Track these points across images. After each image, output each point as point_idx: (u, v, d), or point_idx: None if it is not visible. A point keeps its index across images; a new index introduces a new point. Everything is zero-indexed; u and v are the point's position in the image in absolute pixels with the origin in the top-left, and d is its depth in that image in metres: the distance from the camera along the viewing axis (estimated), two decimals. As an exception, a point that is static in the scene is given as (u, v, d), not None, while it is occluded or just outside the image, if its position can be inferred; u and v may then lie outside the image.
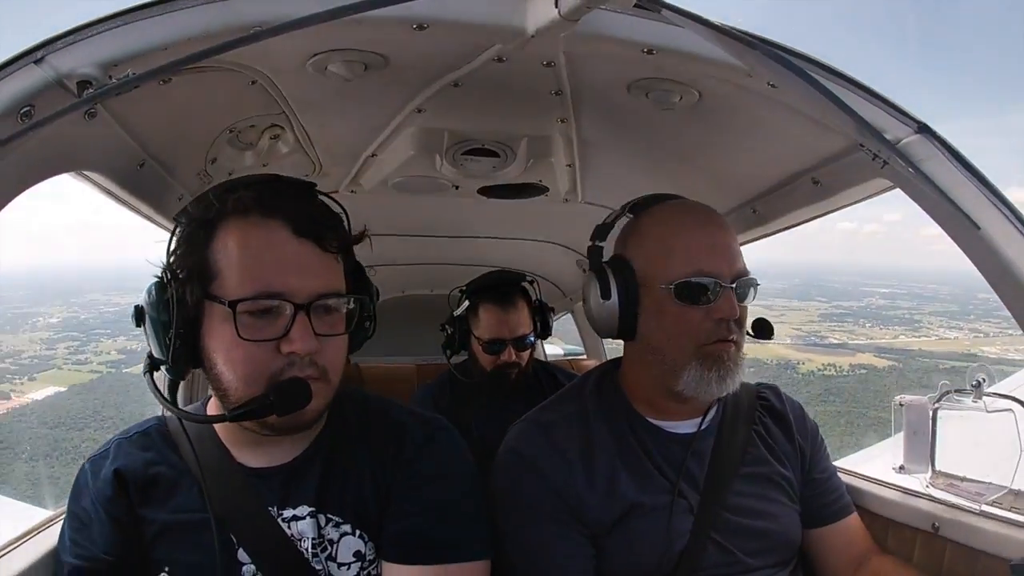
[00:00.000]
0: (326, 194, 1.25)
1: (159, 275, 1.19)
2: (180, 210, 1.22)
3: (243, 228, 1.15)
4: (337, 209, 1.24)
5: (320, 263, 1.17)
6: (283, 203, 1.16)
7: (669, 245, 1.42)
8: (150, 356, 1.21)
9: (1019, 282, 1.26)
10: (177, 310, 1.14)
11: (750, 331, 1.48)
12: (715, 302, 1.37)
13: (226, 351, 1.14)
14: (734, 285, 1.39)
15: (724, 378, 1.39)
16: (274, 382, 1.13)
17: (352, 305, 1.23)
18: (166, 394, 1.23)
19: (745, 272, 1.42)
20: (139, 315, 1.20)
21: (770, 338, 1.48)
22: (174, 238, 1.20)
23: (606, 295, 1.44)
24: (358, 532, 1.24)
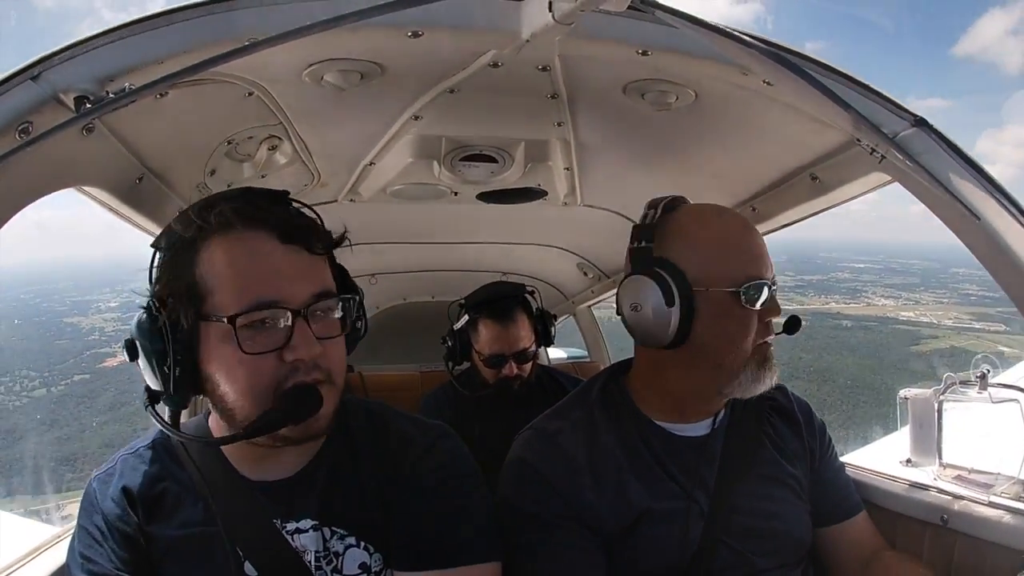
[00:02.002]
0: (299, 202, 1.24)
1: (146, 304, 1.15)
2: (156, 236, 1.20)
3: (228, 243, 1.12)
4: (311, 214, 1.23)
5: (311, 267, 1.15)
6: (264, 213, 1.14)
7: (727, 249, 1.39)
8: (148, 389, 1.18)
9: (1019, 270, 1.26)
10: (172, 337, 1.11)
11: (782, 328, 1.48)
12: (768, 304, 1.38)
13: (228, 369, 1.11)
14: (775, 287, 1.40)
15: (773, 375, 1.41)
16: (281, 392, 1.11)
17: (346, 305, 1.22)
18: (167, 418, 1.21)
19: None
20: (131, 349, 1.16)
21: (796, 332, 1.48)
22: (155, 265, 1.17)
23: (670, 301, 1.36)
24: (363, 544, 1.23)
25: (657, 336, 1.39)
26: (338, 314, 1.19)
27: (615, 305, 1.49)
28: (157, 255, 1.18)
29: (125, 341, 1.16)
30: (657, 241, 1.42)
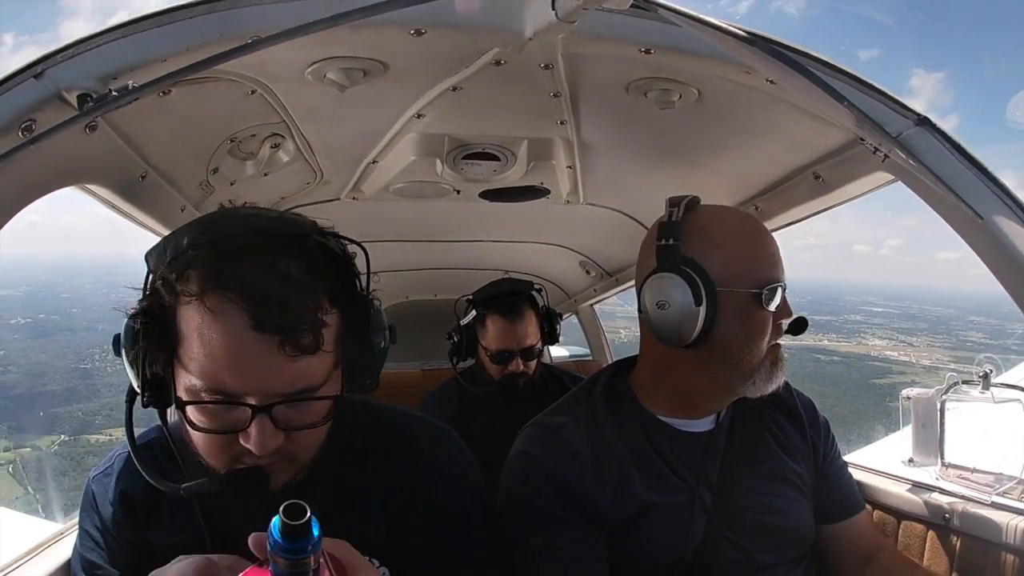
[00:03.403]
0: (334, 236, 1.08)
1: (135, 313, 1.03)
2: (147, 252, 1.05)
3: (200, 312, 0.96)
4: (353, 249, 1.10)
5: (288, 361, 0.97)
6: (243, 282, 0.95)
7: (750, 251, 1.40)
8: (131, 387, 1.09)
9: (1022, 271, 1.25)
10: (146, 362, 1.02)
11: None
12: (782, 306, 1.39)
13: (189, 425, 1.02)
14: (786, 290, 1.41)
15: (783, 374, 1.42)
16: (233, 465, 1.04)
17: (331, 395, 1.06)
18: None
19: None
20: (116, 345, 1.05)
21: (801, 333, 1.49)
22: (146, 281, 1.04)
23: (699, 300, 1.35)
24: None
25: (681, 334, 1.37)
26: (322, 410, 1.05)
27: (636, 302, 1.47)
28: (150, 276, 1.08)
29: (115, 336, 1.05)
30: (680, 240, 1.40)
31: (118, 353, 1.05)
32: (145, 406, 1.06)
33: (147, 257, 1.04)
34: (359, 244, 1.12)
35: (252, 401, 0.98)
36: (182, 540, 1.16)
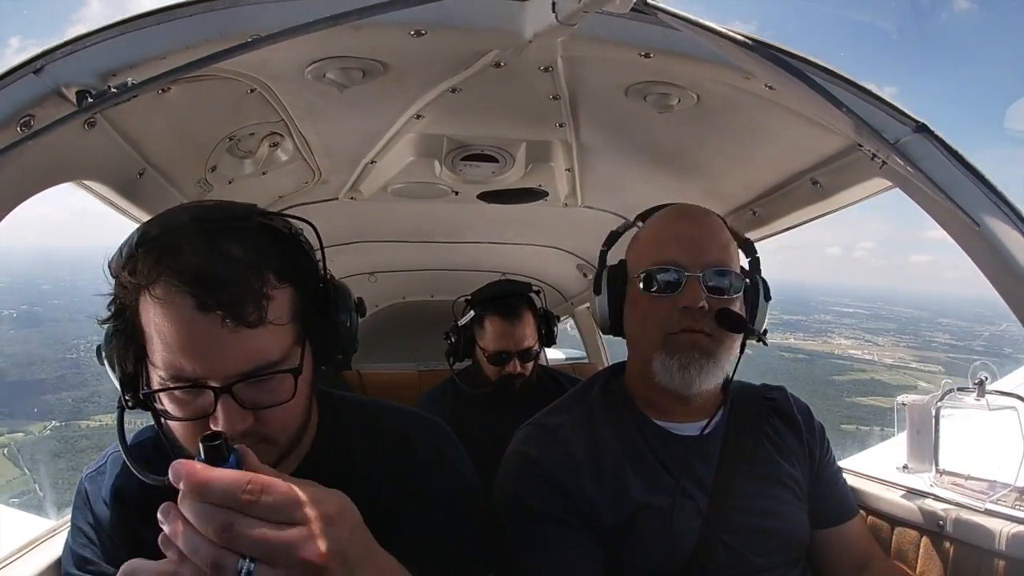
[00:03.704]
0: (278, 215, 1.10)
1: (103, 320, 1.07)
2: (113, 259, 1.06)
3: (152, 304, 0.99)
4: (299, 226, 1.12)
5: (237, 337, 0.98)
6: (185, 267, 0.97)
7: (646, 240, 1.48)
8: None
9: (1019, 278, 1.25)
10: (120, 363, 1.06)
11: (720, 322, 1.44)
12: (680, 291, 1.38)
13: (163, 413, 1.05)
14: (700, 274, 1.38)
15: (688, 367, 1.38)
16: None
17: (295, 369, 1.05)
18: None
19: (720, 264, 1.40)
20: (99, 354, 1.10)
21: (739, 331, 1.43)
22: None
23: (597, 289, 1.52)
24: None
25: (597, 321, 1.56)
26: (288, 377, 1.05)
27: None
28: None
29: (97, 347, 1.10)
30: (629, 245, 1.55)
31: (101, 361, 1.09)
32: (130, 407, 1.08)
33: (109, 264, 1.05)
34: (307, 221, 1.13)
35: (213, 383, 0.99)
36: None
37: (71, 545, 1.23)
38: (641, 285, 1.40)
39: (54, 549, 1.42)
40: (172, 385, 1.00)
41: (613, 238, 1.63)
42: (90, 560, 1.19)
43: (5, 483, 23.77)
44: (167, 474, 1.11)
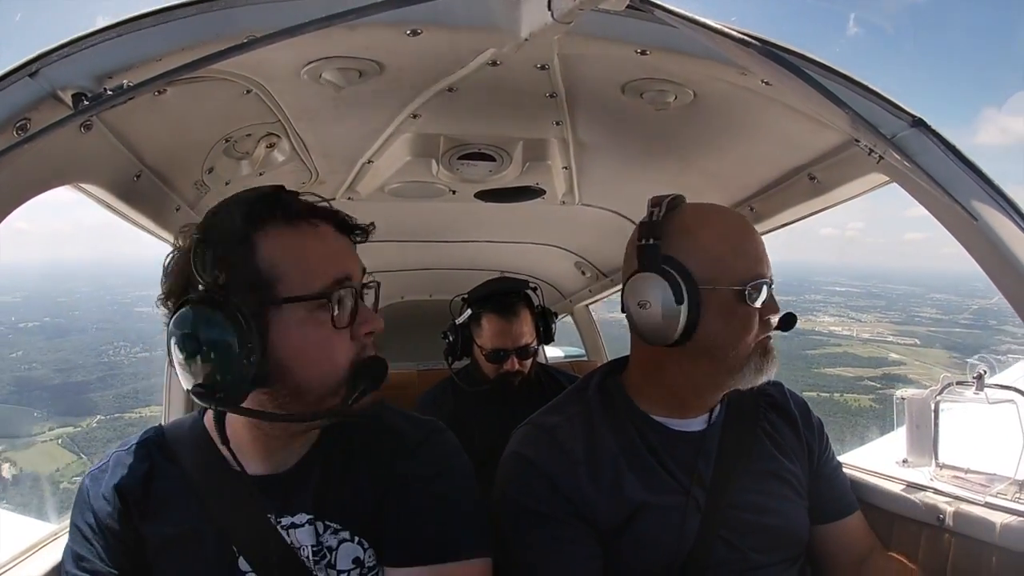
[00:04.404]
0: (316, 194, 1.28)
1: (199, 298, 1.10)
2: (193, 231, 1.15)
3: (296, 233, 1.16)
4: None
5: (356, 252, 1.25)
6: (319, 209, 1.21)
7: (731, 248, 1.40)
8: (200, 388, 1.09)
9: (1017, 272, 1.26)
10: (247, 326, 1.07)
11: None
12: (768, 302, 1.39)
13: (313, 348, 1.14)
14: (774, 286, 1.41)
15: (774, 366, 1.43)
16: (359, 363, 1.18)
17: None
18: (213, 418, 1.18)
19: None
20: (188, 344, 1.08)
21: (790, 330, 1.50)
22: (198, 260, 1.11)
23: (679, 299, 1.36)
24: (357, 539, 1.23)
25: (664, 333, 1.38)
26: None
27: (620, 303, 1.49)
28: (170, 256, 1.20)
29: (180, 336, 1.09)
30: (662, 239, 1.41)
31: (192, 353, 1.09)
32: (254, 380, 1.10)
33: (199, 228, 1.16)
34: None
35: (355, 284, 1.20)
36: (177, 533, 1.22)
37: (69, 543, 1.25)
38: (746, 297, 1.37)
39: (55, 553, 1.42)
40: (337, 280, 1.16)
41: (655, 229, 1.42)
42: (84, 557, 1.21)
43: (65, 466, 28.14)
44: (169, 474, 1.19)
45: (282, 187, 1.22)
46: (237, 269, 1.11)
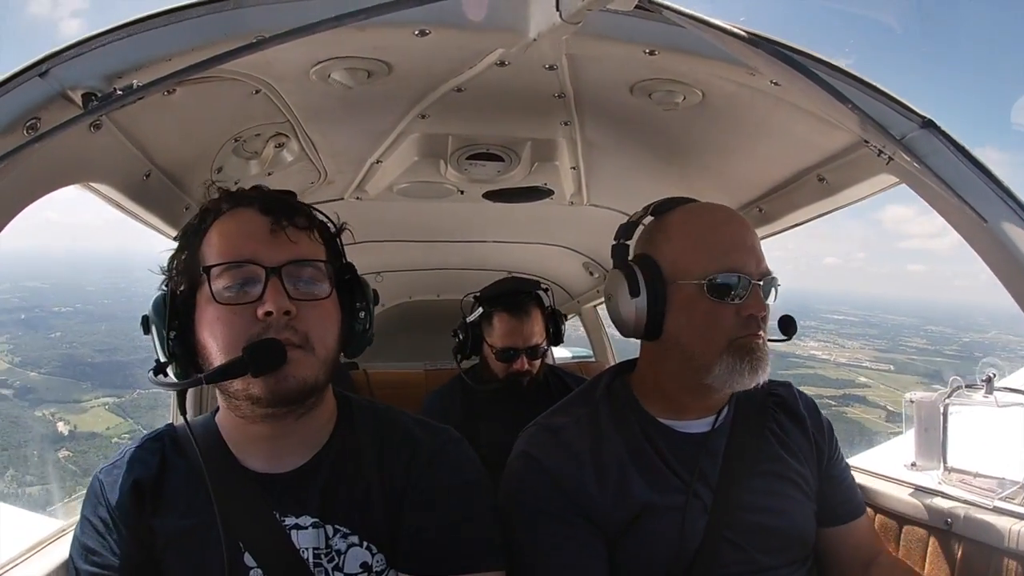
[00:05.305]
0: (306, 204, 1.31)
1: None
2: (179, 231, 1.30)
3: (222, 221, 1.23)
4: (322, 218, 1.32)
5: (293, 237, 1.21)
6: (252, 195, 1.26)
7: (697, 242, 1.41)
8: (157, 361, 1.23)
9: None
10: (171, 307, 1.20)
11: (777, 328, 1.49)
12: (745, 299, 1.37)
13: (210, 324, 1.17)
14: (760, 283, 1.39)
15: (756, 368, 1.38)
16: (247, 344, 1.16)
17: (329, 271, 1.25)
18: (176, 403, 1.28)
19: (769, 271, 1.41)
20: (145, 323, 1.24)
21: (792, 336, 1.48)
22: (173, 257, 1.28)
23: (634, 292, 1.42)
24: (365, 543, 1.24)
25: (628, 326, 1.45)
26: (325, 281, 1.24)
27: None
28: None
29: (143, 317, 1.24)
30: (645, 239, 1.49)
31: (146, 330, 1.25)
32: (171, 353, 1.21)
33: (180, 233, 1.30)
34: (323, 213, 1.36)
35: (264, 264, 1.16)
36: (189, 526, 1.23)
37: (78, 536, 1.26)
38: (706, 291, 1.37)
39: (63, 549, 1.43)
40: (230, 261, 1.17)
41: (629, 229, 1.54)
42: (95, 550, 1.22)
43: (114, 426, 30.56)
44: (180, 469, 1.25)
45: (257, 187, 1.31)
46: (184, 258, 1.25)
